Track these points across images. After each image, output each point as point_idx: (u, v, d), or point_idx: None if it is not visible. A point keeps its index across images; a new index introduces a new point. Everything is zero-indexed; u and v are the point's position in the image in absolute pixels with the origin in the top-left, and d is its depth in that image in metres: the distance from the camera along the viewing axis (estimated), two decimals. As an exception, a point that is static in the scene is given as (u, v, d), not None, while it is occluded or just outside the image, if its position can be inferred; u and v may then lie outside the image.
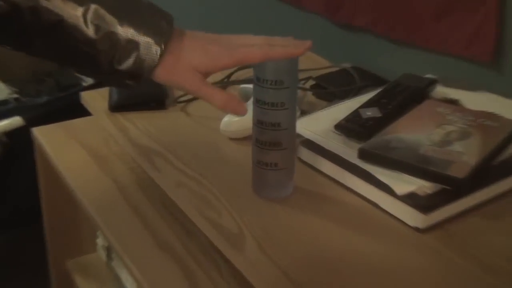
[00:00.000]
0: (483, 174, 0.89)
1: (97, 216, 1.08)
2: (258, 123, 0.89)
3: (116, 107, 1.17)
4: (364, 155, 0.91)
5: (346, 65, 1.26)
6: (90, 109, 1.24)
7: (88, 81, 3.08)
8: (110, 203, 1.10)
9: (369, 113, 1.00)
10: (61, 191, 1.33)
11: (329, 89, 1.17)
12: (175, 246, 0.99)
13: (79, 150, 1.25)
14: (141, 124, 1.15)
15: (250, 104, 1.09)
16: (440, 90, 1.13)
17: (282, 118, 0.88)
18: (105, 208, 1.09)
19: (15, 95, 2.91)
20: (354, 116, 1.00)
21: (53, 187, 1.36)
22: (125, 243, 1.01)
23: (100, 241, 1.40)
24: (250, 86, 1.17)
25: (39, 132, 1.29)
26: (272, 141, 0.89)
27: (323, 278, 0.77)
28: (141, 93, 1.21)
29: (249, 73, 1.27)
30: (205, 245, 0.95)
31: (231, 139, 1.08)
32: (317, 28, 1.48)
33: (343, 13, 1.45)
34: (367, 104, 1.03)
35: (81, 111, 1.32)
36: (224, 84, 1.25)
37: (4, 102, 2.77)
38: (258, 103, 0.89)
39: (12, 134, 1.68)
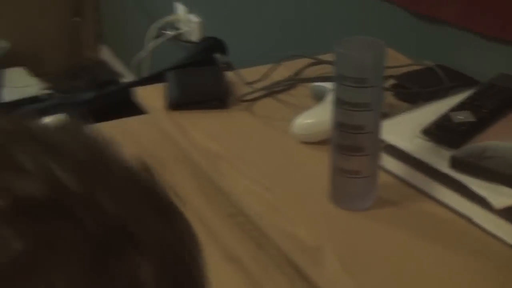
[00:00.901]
0: None
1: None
2: (339, 125, 0.93)
3: (176, 104, 1.21)
4: (456, 164, 0.94)
5: (430, 63, 1.29)
6: (144, 106, 1.29)
7: (127, 76, 3.18)
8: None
9: (461, 117, 1.03)
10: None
11: (413, 90, 1.20)
12: (243, 259, 1.02)
13: (133, 149, 1.26)
14: (202, 124, 1.20)
15: (325, 104, 1.12)
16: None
17: (365, 121, 0.92)
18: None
19: (47, 91, 3.02)
20: (444, 120, 1.03)
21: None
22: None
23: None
24: (323, 84, 1.22)
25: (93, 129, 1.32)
26: (354, 146, 0.93)
27: None
28: (202, 90, 1.26)
29: (321, 69, 1.31)
30: (277, 258, 0.98)
31: (303, 142, 1.12)
32: (396, 20, 1.52)
33: (426, 3, 1.48)
34: (459, 107, 1.06)
35: (130, 108, 1.36)
36: (293, 82, 1.28)
37: (35, 99, 2.88)
38: (339, 103, 0.93)
39: None
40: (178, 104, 1.23)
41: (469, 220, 0.93)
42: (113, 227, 0.49)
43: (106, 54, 3.44)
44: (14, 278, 0.45)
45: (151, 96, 1.30)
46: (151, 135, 1.30)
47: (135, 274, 0.50)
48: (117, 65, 3.32)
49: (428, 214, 0.96)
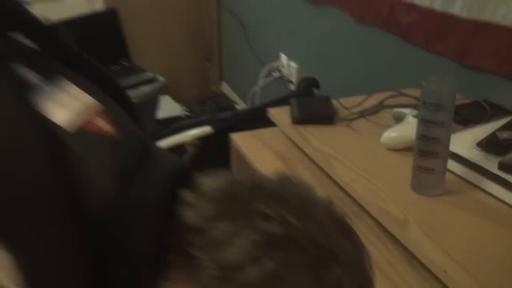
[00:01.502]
0: None
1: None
2: (421, 136, 0.92)
3: (298, 120, 1.22)
4: (503, 166, 0.92)
5: (478, 99, 1.25)
6: (275, 121, 1.29)
7: (240, 105, 3.22)
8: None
9: (505, 134, 1.01)
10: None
11: (466, 116, 1.15)
12: None
13: (267, 152, 1.27)
14: (316, 134, 1.19)
15: (404, 124, 1.14)
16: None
17: (441, 134, 0.91)
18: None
19: (186, 113, 3.11)
20: (493, 137, 1.00)
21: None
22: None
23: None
24: (402, 109, 1.21)
25: (235, 137, 1.34)
26: (431, 151, 0.92)
27: (472, 260, 0.81)
28: (316, 111, 1.26)
29: (398, 99, 1.30)
30: (373, 228, 0.98)
31: (389, 149, 1.11)
32: (451, 67, 1.47)
33: (471, 56, 1.42)
34: (502, 128, 1.03)
35: (255, 124, 1.37)
36: (378, 108, 1.27)
37: (179, 118, 2.97)
38: (422, 121, 0.92)
39: (202, 139, 1.78)
40: (300, 120, 1.23)
41: (510, 206, 0.91)
42: (322, 248, 0.52)
43: (225, 88, 3.43)
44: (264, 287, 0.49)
45: (279, 114, 1.29)
46: (280, 141, 1.30)
47: (339, 281, 0.53)
48: (233, 96, 3.31)
49: (481, 202, 0.95)
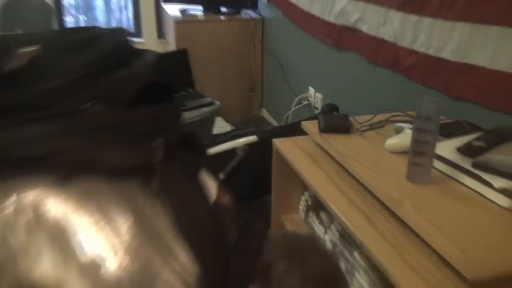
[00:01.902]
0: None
1: (313, 186, 1.16)
2: (415, 141, 0.98)
3: (324, 130, 1.26)
4: (476, 165, 0.98)
5: (459, 119, 1.27)
6: (307, 131, 1.32)
7: (274, 123, 3.24)
8: (321, 182, 1.17)
9: (478, 143, 1.05)
10: (289, 177, 1.39)
11: (450, 130, 1.17)
12: (359, 203, 1.07)
13: (300, 153, 1.31)
14: (337, 140, 1.22)
15: (403, 134, 1.20)
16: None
17: (429, 139, 0.97)
18: (316, 183, 1.16)
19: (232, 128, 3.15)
20: (468, 144, 1.05)
21: (283, 174, 1.41)
22: (326, 201, 1.09)
23: (301, 205, 1.46)
24: (401, 124, 1.24)
25: (277, 142, 1.37)
26: (423, 151, 0.98)
27: (456, 229, 0.87)
28: (337, 124, 1.29)
29: (399, 117, 1.32)
30: (377, 205, 1.03)
31: (391, 152, 1.15)
32: (438, 96, 1.46)
33: (455, 89, 1.43)
34: (476, 139, 1.08)
35: (286, 135, 1.39)
36: (383, 123, 1.31)
37: (228, 132, 3.03)
38: (416, 129, 0.97)
39: (249, 145, 1.82)
40: (325, 130, 1.26)
41: (481, 195, 0.96)
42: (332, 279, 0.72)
43: (265, 114, 3.45)
44: None
45: (310, 126, 1.31)
46: (310, 145, 1.33)
47: None
48: (271, 120, 3.32)
49: (457, 190, 0.99)
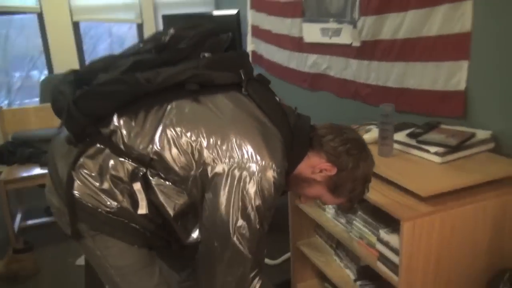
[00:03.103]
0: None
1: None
2: (381, 130, 1.53)
3: None
4: (419, 141, 1.52)
5: (403, 122, 1.78)
6: None
7: None
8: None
9: (418, 131, 1.59)
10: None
11: (401, 127, 1.76)
12: None
13: None
14: None
15: (372, 131, 1.79)
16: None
17: (389, 128, 1.52)
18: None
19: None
20: (413, 132, 1.58)
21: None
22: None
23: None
24: (370, 126, 1.79)
25: None
26: (387, 136, 1.52)
27: (411, 175, 1.41)
28: None
29: (364, 126, 1.92)
30: None
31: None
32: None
33: (399, 106, 1.90)
34: (416, 129, 1.61)
35: None
36: (357, 129, 1.91)
37: None
38: (381, 123, 1.52)
39: None
40: None
41: (423, 158, 1.47)
42: (364, 144, 1.14)
43: None
44: None
45: None
46: None
47: (372, 159, 1.14)
48: None
49: (410, 158, 1.49)
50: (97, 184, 1.04)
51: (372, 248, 1.52)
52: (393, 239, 1.40)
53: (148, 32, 4.29)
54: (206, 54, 1.12)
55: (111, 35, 4.55)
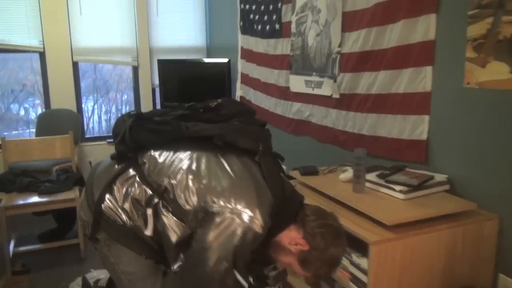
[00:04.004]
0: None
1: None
2: (355, 171, 1.78)
3: (303, 174, 2.13)
4: (387, 181, 1.82)
5: (375, 165, 2.09)
6: (294, 175, 2.19)
7: None
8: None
9: (386, 172, 1.86)
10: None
11: (372, 169, 2.04)
12: (327, 205, 1.93)
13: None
14: (312, 179, 2.07)
15: (347, 172, 2.08)
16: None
17: (361, 169, 1.78)
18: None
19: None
20: (382, 173, 1.85)
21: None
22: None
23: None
24: (346, 167, 2.13)
25: None
26: (359, 176, 1.77)
27: (379, 208, 1.69)
28: (310, 170, 2.17)
29: (341, 167, 2.21)
30: (337, 204, 1.87)
31: (343, 182, 1.93)
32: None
33: (372, 151, 2.16)
34: (386, 170, 1.90)
35: None
36: (334, 168, 2.19)
37: None
38: (355, 165, 1.80)
39: None
40: (304, 174, 2.15)
41: (390, 195, 1.73)
42: (343, 232, 1.23)
43: None
44: None
45: (295, 173, 2.22)
46: (296, 182, 2.23)
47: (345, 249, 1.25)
48: None
49: (378, 194, 1.74)
50: (120, 203, 1.25)
51: (345, 271, 1.76)
52: (362, 262, 1.65)
53: (144, 74, 4.57)
54: (237, 122, 1.30)
55: (95, 73, 4.80)
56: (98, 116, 4.83)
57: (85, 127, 4.56)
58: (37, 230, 3.32)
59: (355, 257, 1.70)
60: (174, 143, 1.26)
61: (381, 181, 1.83)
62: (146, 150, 1.27)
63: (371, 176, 1.89)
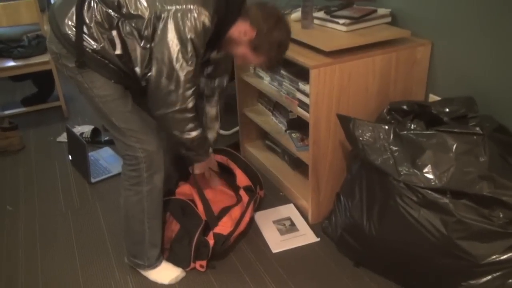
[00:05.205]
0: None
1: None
2: (303, 10, 2.00)
3: None
4: (332, 16, 1.99)
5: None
6: None
7: None
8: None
9: (333, 9, 2.07)
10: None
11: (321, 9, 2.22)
12: None
13: None
14: None
15: (298, 12, 2.20)
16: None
17: (309, 8, 1.99)
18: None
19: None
20: (329, 9, 2.05)
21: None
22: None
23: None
24: (298, 9, 2.27)
25: None
26: (308, 12, 1.99)
27: (324, 40, 1.86)
28: None
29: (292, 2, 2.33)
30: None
31: (294, 21, 2.16)
32: None
33: None
34: (332, 7, 2.05)
35: None
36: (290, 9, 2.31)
37: None
38: (303, 5, 1.99)
39: None
40: None
41: (335, 28, 1.93)
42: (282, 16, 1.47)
43: None
44: None
45: None
46: None
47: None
48: None
49: (325, 29, 1.90)
50: (86, 30, 1.38)
51: (294, 99, 2.00)
52: (307, 88, 1.88)
53: None
54: None
55: None
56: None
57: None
58: (18, 96, 3.49)
59: (301, 85, 1.92)
60: None
61: (327, 17, 1.97)
62: None
63: (320, 14, 2.02)
